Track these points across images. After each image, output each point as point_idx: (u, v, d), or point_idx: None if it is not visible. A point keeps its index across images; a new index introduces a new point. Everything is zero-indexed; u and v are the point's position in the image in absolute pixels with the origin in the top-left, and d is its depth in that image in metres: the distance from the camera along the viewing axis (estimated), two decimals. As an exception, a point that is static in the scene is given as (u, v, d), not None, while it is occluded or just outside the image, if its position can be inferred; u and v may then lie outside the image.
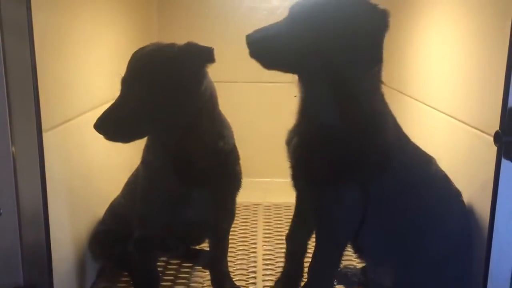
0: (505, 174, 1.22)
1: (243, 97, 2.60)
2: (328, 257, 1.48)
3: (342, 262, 1.59)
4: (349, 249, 1.57)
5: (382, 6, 1.29)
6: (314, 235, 1.53)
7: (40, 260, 1.27)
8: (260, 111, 2.65)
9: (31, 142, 1.20)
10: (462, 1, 1.65)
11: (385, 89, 1.39)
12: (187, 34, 1.67)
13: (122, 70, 1.40)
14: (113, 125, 1.36)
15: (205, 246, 1.89)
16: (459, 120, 1.62)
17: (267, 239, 2.13)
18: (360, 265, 1.81)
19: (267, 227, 2.24)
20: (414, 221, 1.44)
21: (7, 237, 1.22)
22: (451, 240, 1.46)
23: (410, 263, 1.46)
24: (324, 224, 1.44)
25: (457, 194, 1.50)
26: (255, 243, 2.10)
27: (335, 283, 1.68)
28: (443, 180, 1.50)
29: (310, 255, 1.53)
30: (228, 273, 1.74)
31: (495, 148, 1.22)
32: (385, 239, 1.47)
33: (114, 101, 1.38)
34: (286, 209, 2.37)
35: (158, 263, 1.83)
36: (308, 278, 1.57)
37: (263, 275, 1.86)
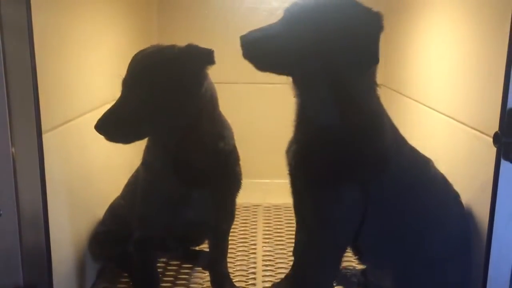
0: (505, 175, 1.22)
1: (243, 98, 2.61)
2: (328, 259, 1.48)
3: (343, 263, 1.60)
4: (349, 251, 1.57)
5: (375, 8, 1.29)
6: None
7: (40, 261, 1.27)
8: (260, 112, 2.66)
9: (31, 143, 1.20)
10: (461, 2, 1.65)
11: (384, 90, 1.40)
12: (187, 35, 1.67)
13: (122, 71, 1.40)
14: (114, 126, 1.36)
15: (205, 247, 1.89)
16: (458, 121, 1.62)
17: (267, 240, 2.13)
18: (359, 266, 1.81)
19: (267, 228, 2.24)
20: (413, 223, 1.44)
21: (7, 238, 1.22)
22: (450, 242, 1.46)
23: (409, 265, 1.46)
24: (324, 226, 1.44)
25: (456, 195, 1.50)
26: (255, 244, 2.10)
27: (334, 284, 1.68)
28: (442, 182, 1.50)
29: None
30: (228, 274, 1.74)
31: (494, 149, 1.23)
32: (384, 241, 1.46)
33: (114, 102, 1.38)
34: (286, 210, 2.37)
35: (158, 264, 1.83)
36: (308, 279, 1.57)
37: (262, 276, 1.86)
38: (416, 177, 1.46)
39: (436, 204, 1.47)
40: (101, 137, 1.35)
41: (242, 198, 1.65)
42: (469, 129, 1.53)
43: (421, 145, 1.51)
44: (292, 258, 1.75)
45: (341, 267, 1.69)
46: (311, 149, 1.38)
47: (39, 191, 1.23)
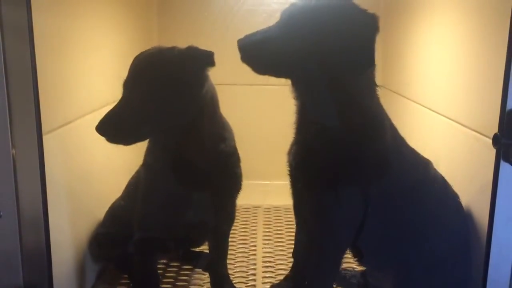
0: (504, 176, 1.22)
1: (243, 100, 2.61)
2: (328, 261, 1.48)
3: (343, 264, 1.60)
4: (348, 252, 1.57)
5: (372, 10, 1.30)
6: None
7: (40, 262, 1.27)
8: (260, 114, 2.66)
9: (31, 144, 1.20)
10: (461, 4, 1.65)
11: (384, 92, 1.39)
12: (187, 37, 1.68)
13: (122, 72, 1.41)
14: (115, 128, 1.37)
15: (205, 248, 1.89)
16: (458, 123, 1.62)
17: (267, 242, 2.13)
18: (359, 268, 1.81)
19: (267, 230, 2.24)
20: (413, 224, 1.44)
21: (7, 239, 1.22)
22: (450, 243, 1.47)
23: (408, 266, 1.46)
24: (324, 227, 1.44)
25: (455, 197, 1.50)
26: (254, 246, 2.10)
27: (334, 286, 1.68)
28: (441, 183, 1.50)
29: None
30: (227, 275, 1.74)
31: (494, 151, 1.23)
32: (384, 242, 1.47)
33: (115, 104, 1.38)
34: (286, 212, 2.37)
35: (158, 266, 1.83)
36: (308, 282, 1.57)
37: (262, 277, 1.86)
38: (416, 179, 1.46)
39: (436, 206, 1.47)
40: (102, 138, 1.36)
41: (242, 200, 1.65)
42: (469, 130, 1.53)
43: (421, 146, 1.51)
44: (292, 259, 1.75)
45: (340, 269, 1.69)
46: (311, 151, 1.38)
47: (39, 192, 1.23)
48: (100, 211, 1.80)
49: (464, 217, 1.49)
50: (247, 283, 1.82)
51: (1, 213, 1.20)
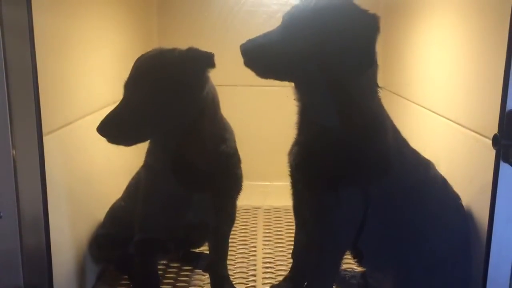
0: (504, 177, 1.22)
1: (243, 101, 2.61)
2: (328, 261, 1.48)
3: (342, 265, 1.60)
4: (348, 253, 1.57)
5: (372, 11, 1.30)
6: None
7: (40, 263, 1.27)
8: (260, 115, 2.66)
9: (32, 145, 1.20)
10: (461, 5, 1.65)
11: (384, 93, 1.40)
12: (187, 38, 1.68)
13: (122, 73, 1.41)
14: (116, 129, 1.37)
15: (205, 249, 1.89)
16: (457, 124, 1.62)
17: (267, 242, 2.13)
18: (359, 269, 1.81)
19: (266, 230, 2.24)
20: (413, 225, 1.44)
21: (7, 240, 1.22)
22: (450, 244, 1.47)
23: (409, 266, 1.46)
24: (325, 228, 1.44)
25: (456, 198, 1.50)
26: (254, 246, 2.10)
27: (334, 286, 1.68)
28: (442, 184, 1.50)
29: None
30: (227, 276, 1.74)
31: (493, 151, 1.23)
32: (384, 243, 1.47)
33: (116, 105, 1.39)
34: (286, 213, 2.37)
35: (158, 266, 1.83)
36: (308, 282, 1.57)
37: (262, 278, 1.86)
38: (417, 179, 1.46)
39: (436, 206, 1.47)
40: (102, 139, 1.36)
41: (242, 200, 1.65)
42: (469, 131, 1.53)
43: (421, 147, 1.51)
44: (291, 260, 1.75)
45: (340, 269, 1.69)
46: (313, 151, 1.38)
47: (39, 193, 1.23)
48: (100, 212, 1.80)
49: (464, 217, 1.49)
50: (247, 284, 1.82)
51: (1, 214, 1.20)
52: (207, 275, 1.77)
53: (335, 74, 1.30)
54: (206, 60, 1.39)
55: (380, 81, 1.38)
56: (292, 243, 1.74)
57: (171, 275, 1.88)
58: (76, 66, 1.61)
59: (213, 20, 2.55)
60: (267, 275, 1.88)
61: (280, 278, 1.80)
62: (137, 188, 1.62)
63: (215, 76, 1.43)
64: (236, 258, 1.99)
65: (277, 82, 1.35)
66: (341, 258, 1.49)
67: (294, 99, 1.40)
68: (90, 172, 1.74)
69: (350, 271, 1.82)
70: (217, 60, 1.38)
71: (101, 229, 1.79)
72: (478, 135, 1.46)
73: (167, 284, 1.82)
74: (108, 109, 1.39)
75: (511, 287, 1.28)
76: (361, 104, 1.35)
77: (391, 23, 2.28)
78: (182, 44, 1.42)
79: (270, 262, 1.97)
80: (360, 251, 1.52)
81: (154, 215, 1.54)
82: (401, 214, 1.43)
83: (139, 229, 1.58)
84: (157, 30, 2.64)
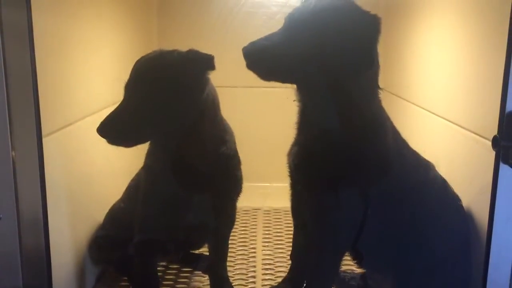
0: (503, 178, 1.22)
1: (243, 102, 2.61)
2: (327, 262, 1.48)
3: (342, 266, 1.60)
4: (347, 254, 1.57)
5: (373, 12, 1.30)
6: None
7: (40, 264, 1.27)
8: (259, 116, 2.66)
9: (31, 146, 1.20)
10: (461, 6, 1.66)
11: (384, 94, 1.40)
12: (187, 39, 1.68)
13: (122, 74, 1.41)
14: (116, 130, 1.37)
15: (204, 250, 1.89)
16: (457, 125, 1.62)
17: (267, 244, 2.13)
18: (359, 270, 1.81)
19: (266, 232, 2.24)
20: (413, 226, 1.44)
21: (6, 242, 1.22)
22: (450, 245, 1.47)
23: (409, 268, 1.46)
24: (324, 229, 1.44)
25: (456, 199, 1.50)
26: (254, 248, 2.10)
27: (333, 288, 1.69)
28: (442, 185, 1.50)
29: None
30: (227, 277, 1.74)
31: (493, 153, 1.23)
32: (384, 244, 1.47)
33: (117, 106, 1.39)
34: (285, 214, 2.37)
35: (158, 268, 1.83)
36: (307, 283, 1.57)
37: (262, 279, 1.86)
38: (417, 181, 1.46)
39: (436, 207, 1.47)
40: (102, 140, 1.36)
41: (242, 202, 1.65)
42: (468, 132, 1.53)
43: (421, 148, 1.51)
44: (290, 261, 1.75)
45: (340, 271, 1.69)
46: (313, 152, 1.38)
47: (39, 195, 1.23)
48: (100, 214, 1.80)
49: (464, 218, 1.49)
50: (247, 285, 1.82)
51: (1, 215, 1.20)
52: (207, 277, 1.77)
53: (337, 75, 1.30)
54: (206, 62, 1.39)
55: (380, 82, 1.38)
56: (291, 244, 1.74)
57: (171, 277, 1.88)
58: (75, 67, 1.61)
59: (212, 21, 2.56)
60: (267, 277, 1.88)
61: (280, 279, 1.80)
62: (137, 189, 1.61)
63: (215, 77, 1.43)
64: (235, 259, 1.99)
65: (277, 84, 1.35)
66: (340, 259, 1.49)
67: (294, 100, 1.40)
68: (90, 173, 1.74)
69: (350, 273, 1.82)
70: (217, 61, 1.38)
71: (100, 230, 1.79)
72: (477, 137, 1.46)
73: (167, 285, 1.82)
74: (108, 110, 1.39)
75: (511, 288, 1.28)
76: (362, 106, 1.35)
77: (391, 24, 2.28)
78: (182, 45, 1.42)
79: (269, 264, 1.97)
80: (359, 252, 1.52)
81: (154, 216, 1.54)
82: (401, 215, 1.43)
83: (138, 231, 1.58)
84: (157, 31, 2.64)
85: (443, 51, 1.79)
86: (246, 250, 2.08)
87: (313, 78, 1.32)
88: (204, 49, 1.41)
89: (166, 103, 1.37)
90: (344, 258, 1.53)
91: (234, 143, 1.56)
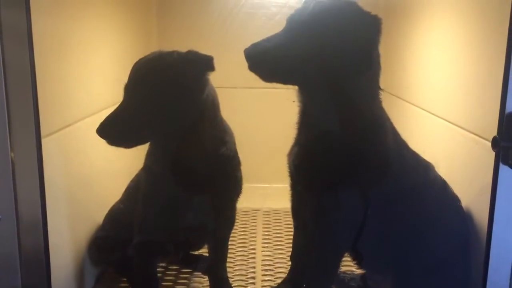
0: (503, 179, 1.22)
1: (242, 103, 2.61)
2: (327, 263, 1.48)
3: (342, 267, 1.59)
4: (347, 255, 1.57)
5: (374, 12, 1.30)
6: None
7: (39, 265, 1.27)
8: (259, 117, 2.66)
9: (30, 147, 1.20)
10: (460, 7, 1.65)
11: (384, 95, 1.40)
12: (187, 39, 1.68)
13: (121, 75, 1.41)
14: (116, 130, 1.37)
15: (204, 251, 1.89)
16: (457, 126, 1.62)
17: (266, 245, 2.13)
18: (358, 271, 1.81)
19: (266, 233, 2.24)
20: (413, 227, 1.44)
21: (5, 243, 1.22)
22: (450, 245, 1.47)
23: (409, 269, 1.45)
24: (324, 229, 1.44)
25: (456, 200, 1.50)
26: (254, 249, 2.10)
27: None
28: (442, 186, 1.50)
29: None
30: (227, 278, 1.74)
31: (493, 154, 1.23)
32: (384, 245, 1.47)
33: (116, 106, 1.39)
34: (285, 215, 2.37)
35: (158, 269, 1.83)
36: (306, 284, 1.57)
37: (262, 280, 1.86)
38: (417, 181, 1.46)
39: (436, 208, 1.47)
40: (101, 141, 1.36)
41: (242, 203, 1.65)
42: (468, 133, 1.53)
43: (421, 149, 1.51)
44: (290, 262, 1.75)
45: (340, 272, 1.69)
46: (313, 152, 1.38)
47: (38, 196, 1.23)
48: (99, 214, 1.80)
49: (464, 219, 1.49)
50: (247, 286, 1.82)
51: (0, 216, 1.20)
52: (207, 278, 1.77)
53: (338, 76, 1.30)
54: (205, 63, 1.39)
55: (380, 83, 1.38)
56: (291, 245, 1.74)
57: (170, 277, 1.88)
58: (75, 68, 1.61)
59: (212, 22, 2.56)
60: (266, 278, 1.87)
61: (279, 280, 1.80)
62: (136, 190, 1.61)
63: (214, 78, 1.43)
64: (235, 260, 1.99)
65: (277, 84, 1.35)
66: (340, 260, 1.49)
67: (294, 101, 1.40)
68: (89, 174, 1.74)
69: (350, 273, 1.82)
70: (216, 62, 1.38)
71: (100, 231, 1.78)
72: (477, 137, 1.46)
73: (167, 286, 1.82)
74: (108, 110, 1.39)
75: (511, 289, 1.28)
76: (363, 106, 1.35)
77: (391, 25, 2.27)
78: (181, 45, 1.42)
79: (269, 265, 1.97)
80: (359, 253, 1.52)
81: (153, 217, 1.54)
82: (401, 216, 1.43)
83: (138, 231, 1.58)
84: (156, 31, 2.64)
85: (442, 52, 1.79)
86: (246, 251, 2.07)
87: (315, 79, 1.32)
88: (204, 49, 1.41)
89: (166, 104, 1.37)
90: (344, 258, 1.53)
91: (234, 144, 1.56)
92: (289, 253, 1.78)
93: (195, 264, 1.93)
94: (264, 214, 2.44)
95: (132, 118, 1.37)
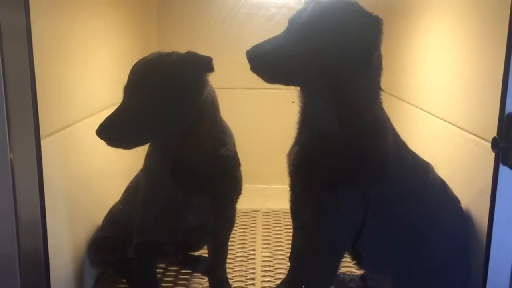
0: (503, 180, 1.22)
1: (242, 103, 2.61)
2: (326, 264, 1.48)
3: (341, 268, 1.59)
4: (346, 256, 1.56)
5: (375, 13, 1.31)
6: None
7: (38, 266, 1.26)
8: (258, 117, 2.66)
9: (29, 148, 1.20)
10: (460, 7, 1.65)
11: (384, 96, 1.40)
12: (186, 40, 1.68)
13: (121, 76, 1.41)
14: (115, 132, 1.37)
15: (204, 252, 1.89)
16: (457, 126, 1.62)
17: (266, 246, 2.13)
18: (358, 272, 1.81)
19: (266, 234, 2.24)
20: (413, 228, 1.44)
21: (5, 244, 1.22)
22: (450, 246, 1.46)
23: (408, 269, 1.45)
24: (323, 230, 1.44)
25: (455, 200, 1.50)
26: (253, 250, 2.10)
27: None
28: (441, 187, 1.50)
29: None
30: (226, 279, 1.74)
31: (492, 154, 1.22)
32: (383, 245, 1.46)
33: (116, 107, 1.39)
34: (285, 216, 2.37)
35: (157, 270, 1.82)
36: (306, 285, 1.57)
37: (261, 281, 1.86)
38: (417, 182, 1.46)
39: (435, 209, 1.47)
40: (100, 142, 1.36)
41: (241, 203, 1.65)
42: (468, 134, 1.53)
43: (420, 150, 1.51)
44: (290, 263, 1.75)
45: (339, 273, 1.69)
46: (313, 153, 1.38)
47: (37, 197, 1.23)
48: (98, 215, 1.80)
49: (463, 220, 1.49)
50: (246, 287, 1.82)
51: (-2, 217, 1.20)
52: (206, 279, 1.77)
53: (340, 77, 1.30)
54: (204, 64, 1.39)
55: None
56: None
57: (170, 279, 1.88)
58: (74, 68, 1.61)
59: (212, 22, 2.56)
60: (266, 279, 1.87)
61: (279, 281, 1.80)
62: (136, 191, 1.61)
63: (214, 78, 1.43)
64: (235, 261, 1.99)
65: (277, 85, 1.35)
66: (339, 260, 1.49)
67: (293, 102, 1.40)
68: (89, 175, 1.73)
69: (349, 274, 1.82)
70: (216, 62, 1.38)
71: (99, 232, 1.78)
72: (477, 138, 1.46)
73: (166, 287, 1.82)
74: (107, 111, 1.39)
75: (511, 290, 1.28)
76: (364, 107, 1.35)
77: (390, 25, 2.27)
78: (181, 46, 1.42)
79: (269, 266, 1.97)
80: (359, 253, 1.51)
81: (153, 218, 1.54)
82: (400, 217, 1.43)
83: (138, 232, 1.58)
84: (156, 32, 2.64)
85: (442, 52, 1.79)
86: (246, 252, 2.07)
87: (316, 80, 1.32)
88: (204, 50, 1.41)
89: (165, 105, 1.37)
90: (343, 259, 1.53)
91: (234, 144, 1.56)
92: (289, 254, 1.78)
93: (195, 265, 1.93)
94: (263, 215, 2.44)
95: (131, 119, 1.37)
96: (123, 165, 1.85)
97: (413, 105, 2.07)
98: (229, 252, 1.76)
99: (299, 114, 1.41)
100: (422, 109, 1.96)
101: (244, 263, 1.99)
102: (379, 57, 1.33)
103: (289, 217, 1.63)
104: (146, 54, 1.46)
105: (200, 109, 1.42)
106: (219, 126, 1.51)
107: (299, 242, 1.64)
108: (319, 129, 1.38)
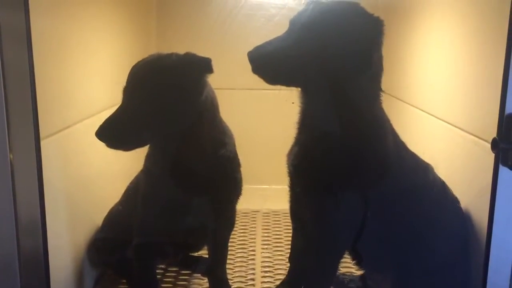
0: (503, 180, 1.22)
1: (242, 104, 2.61)
2: (326, 264, 1.48)
3: (341, 269, 1.59)
4: (346, 256, 1.56)
5: (376, 14, 1.31)
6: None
7: (38, 267, 1.26)
8: (258, 118, 2.66)
9: (29, 149, 1.20)
10: (460, 8, 1.65)
11: (383, 96, 1.40)
12: (186, 41, 1.68)
13: (120, 77, 1.41)
14: (115, 133, 1.37)
15: (204, 253, 1.89)
16: (457, 127, 1.62)
17: (266, 246, 2.13)
18: (358, 272, 1.80)
19: (265, 234, 2.24)
20: (412, 229, 1.44)
21: (4, 245, 1.22)
22: (450, 247, 1.46)
23: (408, 270, 1.45)
24: (323, 230, 1.44)
25: (455, 201, 1.50)
26: (253, 250, 2.10)
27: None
28: (441, 188, 1.50)
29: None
30: (226, 280, 1.74)
31: (492, 155, 1.22)
32: (383, 245, 1.46)
33: (115, 109, 1.39)
34: (284, 216, 2.37)
35: (157, 270, 1.82)
36: (306, 285, 1.57)
37: (261, 282, 1.86)
38: (416, 183, 1.46)
39: (435, 210, 1.47)
40: (100, 143, 1.36)
41: (241, 204, 1.65)
42: (468, 135, 1.53)
43: (420, 150, 1.51)
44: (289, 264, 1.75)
45: (339, 273, 1.69)
46: (313, 153, 1.38)
47: (37, 198, 1.23)
48: (98, 216, 1.80)
49: (463, 220, 1.49)
50: (246, 288, 1.82)
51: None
52: (206, 279, 1.77)
53: (341, 78, 1.30)
54: (203, 65, 1.39)
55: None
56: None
57: (170, 279, 1.88)
58: (74, 69, 1.61)
59: (211, 23, 2.56)
60: (266, 279, 1.87)
61: (279, 282, 1.80)
62: (135, 192, 1.61)
63: (214, 79, 1.43)
64: (235, 262, 1.99)
65: (277, 86, 1.35)
66: (339, 261, 1.49)
67: (293, 102, 1.40)
68: (88, 176, 1.73)
69: (349, 275, 1.82)
70: (215, 63, 1.38)
71: (99, 233, 1.78)
72: (477, 139, 1.46)
73: (166, 288, 1.82)
74: (107, 112, 1.39)
75: (511, 291, 1.28)
76: (364, 108, 1.36)
77: (390, 25, 2.27)
78: (181, 47, 1.42)
79: (269, 266, 1.96)
80: (359, 253, 1.51)
81: (153, 219, 1.54)
82: (400, 217, 1.43)
83: (137, 233, 1.58)
84: (155, 33, 2.64)
85: (442, 53, 1.79)
86: (245, 253, 2.07)
87: (317, 81, 1.32)
88: (203, 51, 1.41)
89: (165, 106, 1.37)
90: (343, 260, 1.53)
91: (234, 145, 1.56)
92: (289, 255, 1.78)
93: (195, 265, 1.93)
94: (263, 216, 2.44)
95: (131, 120, 1.37)
96: (123, 166, 1.85)
97: (412, 105, 2.07)
98: (229, 252, 1.76)
99: (299, 115, 1.42)
100: (422, 110, 1.96)
101: (244, 264, 1.99)
102: (380, 58, 1.33)
103: (289, 217, 1.63)
104: (145, 55, 1.46)
105: (199, 110, 1.42)
106: (219, 127, 1.51)
107: (298, 243, 1.64)
108: (319, 129, 1.38)
